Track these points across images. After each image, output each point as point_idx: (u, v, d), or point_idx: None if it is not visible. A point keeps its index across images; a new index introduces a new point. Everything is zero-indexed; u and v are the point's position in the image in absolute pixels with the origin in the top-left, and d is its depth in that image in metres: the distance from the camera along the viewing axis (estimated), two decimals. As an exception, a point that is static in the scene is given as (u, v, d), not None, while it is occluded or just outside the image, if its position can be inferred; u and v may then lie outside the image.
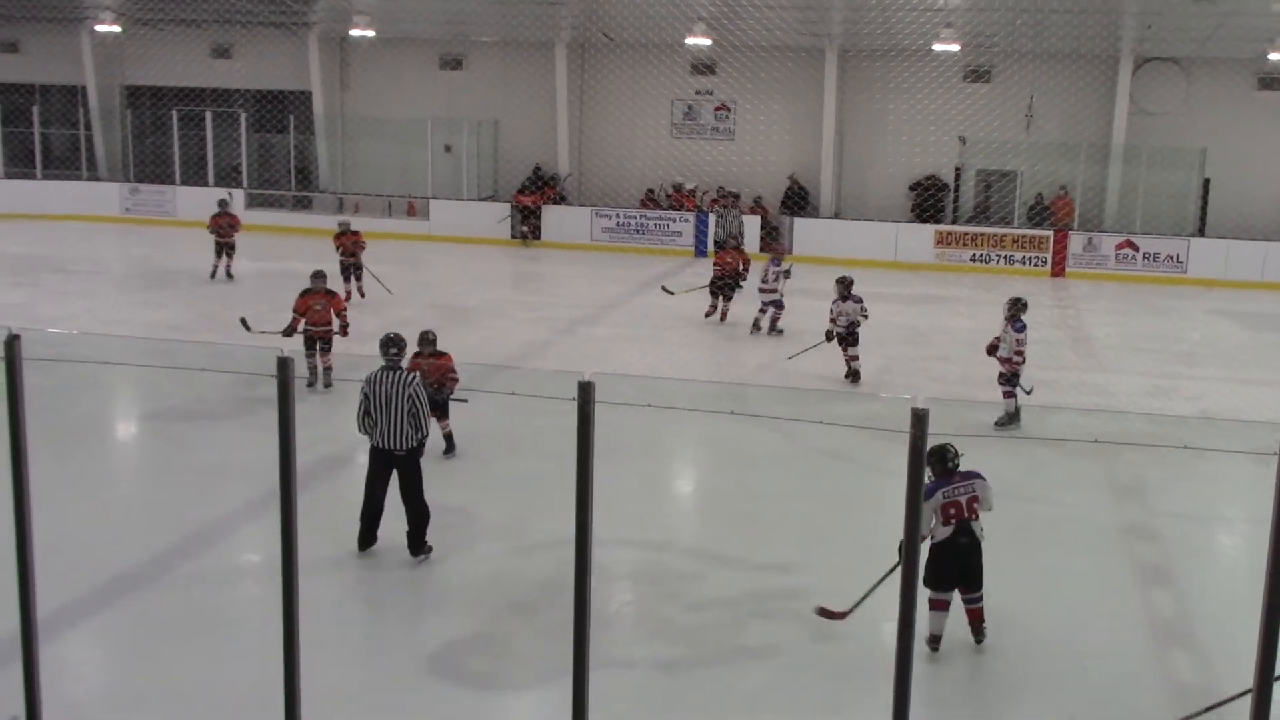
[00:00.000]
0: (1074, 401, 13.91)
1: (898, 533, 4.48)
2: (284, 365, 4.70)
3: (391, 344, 9.10)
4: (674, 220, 26.41)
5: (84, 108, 30.57)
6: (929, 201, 25.68)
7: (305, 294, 13.74)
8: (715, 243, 16.36)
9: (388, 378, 8.81)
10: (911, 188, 25.97)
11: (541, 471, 10.11)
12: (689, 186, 27.06)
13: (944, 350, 17.14)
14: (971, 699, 7.41)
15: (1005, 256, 24.94)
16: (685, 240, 26.15)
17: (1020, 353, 12.66)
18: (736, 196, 26.01)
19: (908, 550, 4.42)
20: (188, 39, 29.35)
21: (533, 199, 26.95)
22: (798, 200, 26.38)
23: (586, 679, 4.69)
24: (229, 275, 20.74)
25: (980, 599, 7.68)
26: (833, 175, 26.52)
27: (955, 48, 24.39)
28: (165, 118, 29.30)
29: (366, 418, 8.83)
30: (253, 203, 28.34)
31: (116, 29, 28.67)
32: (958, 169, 26.07)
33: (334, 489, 9.65)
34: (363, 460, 9.15)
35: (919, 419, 4.28)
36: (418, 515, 8.88)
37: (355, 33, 27.12)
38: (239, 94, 29.71)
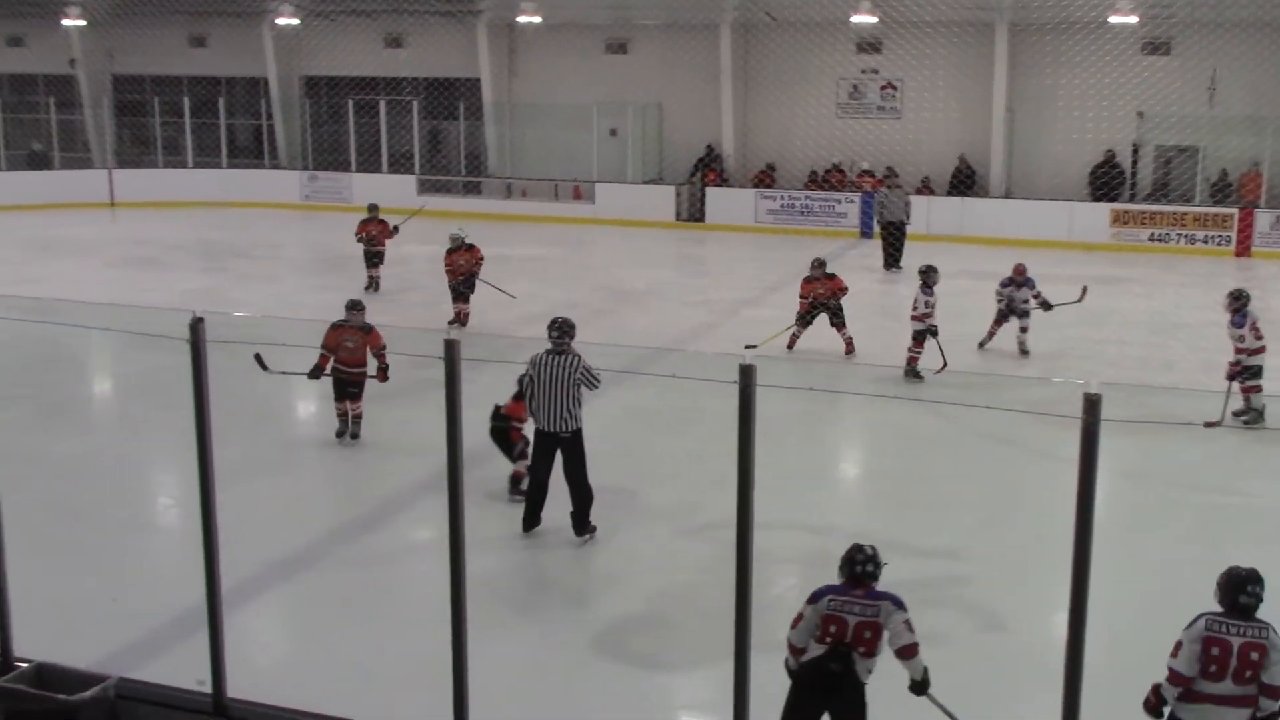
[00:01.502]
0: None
1: (1068, 522, 4.34)
2: (450, 347, 4.79)
3: (556, 327, 9.02)
4: (839, 201, 26.11)
5: (265, 98, 31.74)
6: (1110, 180, 24.79)
7: (336, 326, 11.30)
8: (816, 262, 15.10)
9: (552, 360, 8.82)
10: (1093, 172, 25.07)
11: (705, 454, 10.13)
12: (863, 166, 26.68)
13: (1120, 333, 16.56)
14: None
15: (1186, 235, 23.94)
16: (850, 221, 25.83)
17: (1244, 350, 11.72)
18: (898, 176, 25.58)
19: (1078, 538, 4.27)
20: (361, 29, 30.17)
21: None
22: (966, 180, 25.78)
23: (748, 661, 4.68)
24: (375, 288, 18.67)
25: None
26: (1003, 153, 25.83)
27: (1133, 19, 23.48)
28: (341, 106, 30.21)
29: (531, 400, 8.94)
30: (423, 188, 28.98)
31: (295, 21, 29.65)
32: (1135, 145, 25.10)
33: (500, 469, 9.82)
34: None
35: (1091, 404, 4.13)
36: (581, 496, 8.95)
37: (523, 19, 27.50)
38: (411, 82, 30.42)
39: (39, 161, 30.93)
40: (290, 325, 15.00)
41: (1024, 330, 15.00)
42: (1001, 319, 15.11)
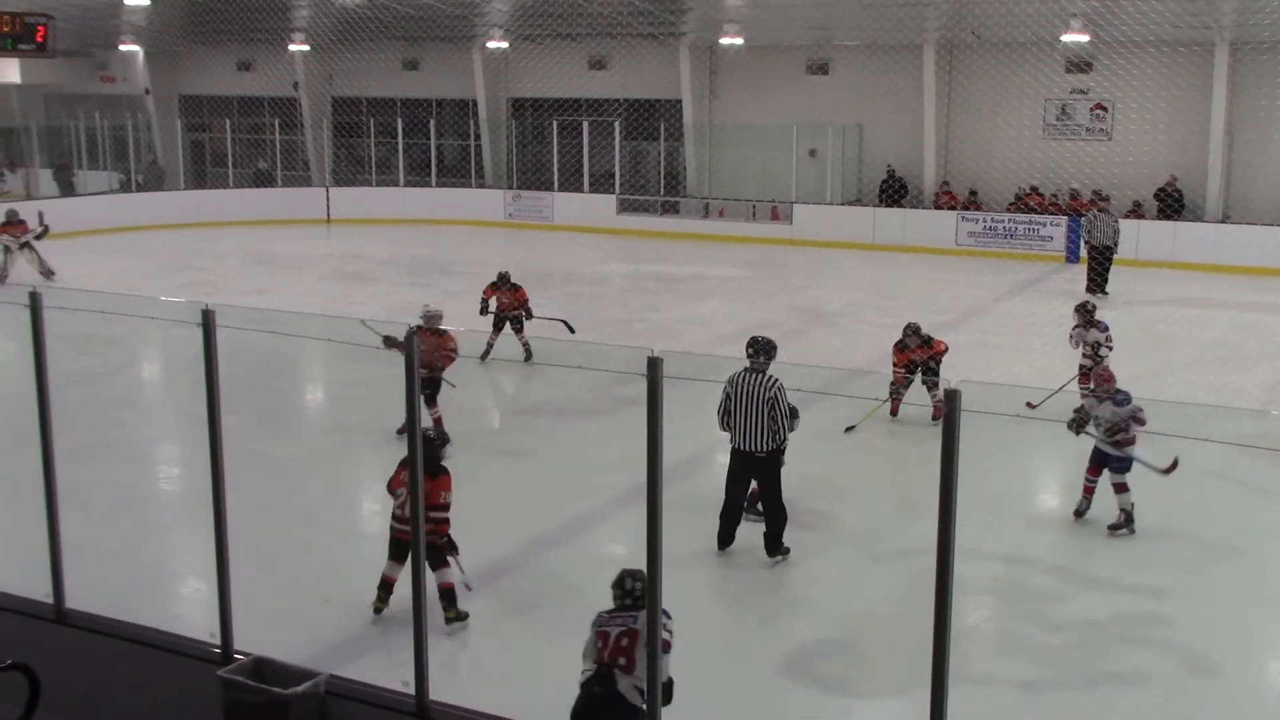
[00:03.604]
0: None
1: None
2: (654, 365, 4.87)
3: (753, 345, 9.05)
4: (1044, 224, 25.42)
5: (474, 119, 32.73)
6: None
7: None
8: (909, 329, 13.07)
9: (749, 379, 8.88)
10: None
11: (901, 480, 10.02)
12: (1072, 186, 25.92)
13: (1348, 366, 15.69)
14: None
15: None
16: (1056, 245, 25.11)
17: None
18: (1108, 199, 24.74)
19: None
20: (567, 52, 30.83)
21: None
22: (1175, 203, 24.76)
23: (945, 691, 4.62)
24: (527, 354, 15.16)
25: None
26: (1220, 177, 24.73)
27: (1367, 35, 22.25)
28: (545, 127, 30.91)
29: (726, 416, 8.98)
30: (623, 208, 29.45)
31: (504, 45, 30.49)
32: (1366, 168, 23.73)
33: (695, 486, 9.92)
34: (723, 460, 9.37)
35: (1314, 442, 3.96)
36: (775, 517, 8.97)
37: (725, 41, 27.66)
38: (613, 103, 30.92)
39: (263, 179, 32.60)
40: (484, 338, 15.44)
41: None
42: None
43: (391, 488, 7.99)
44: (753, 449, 8.86)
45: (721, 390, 9.03)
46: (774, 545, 8.99)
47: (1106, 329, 12.90)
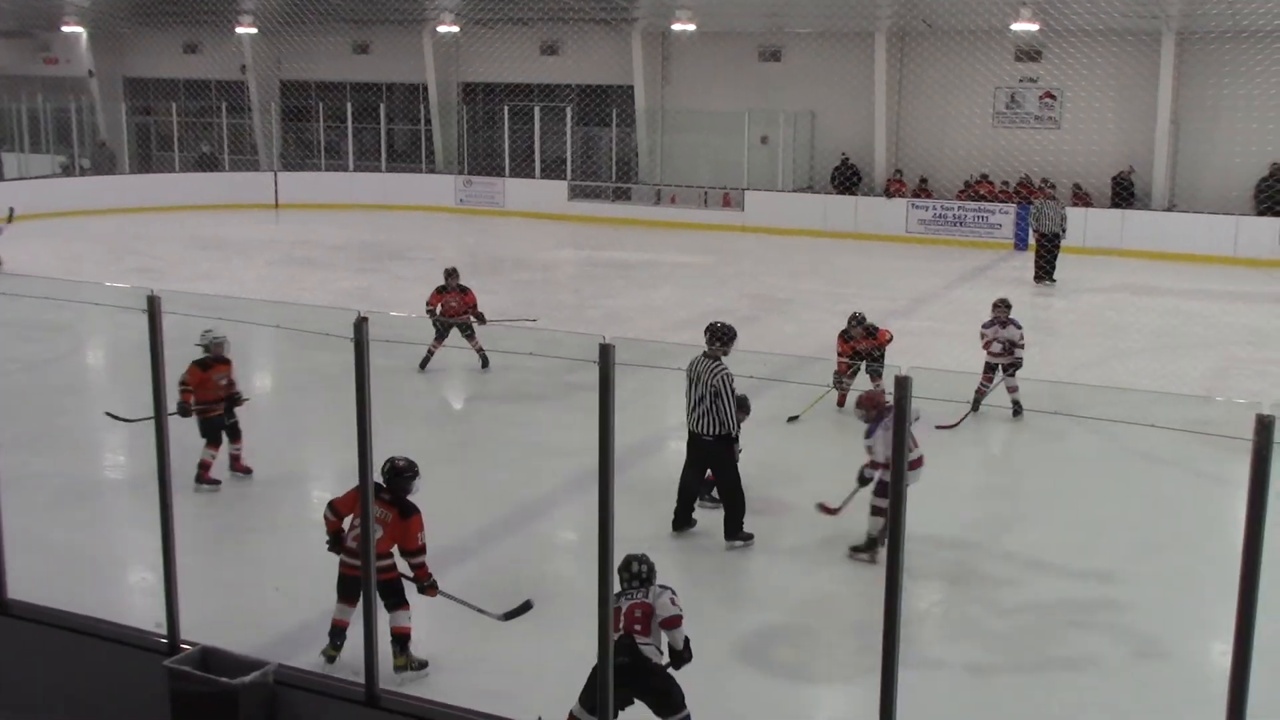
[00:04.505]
0: None
1: (1230, 547, 4.21)
2: (605, 352, 4.86)
3: (709, 330, 9.22)
4: (993, 212, 25.62)
5: (424, 104, 32.50)
6: (1275, 195, 23.76)
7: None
8: (854, 319, 12.73)
9: (702, 364, 8.99)
10: (1258, 186, 24.05)
11: (853, 467, 10.01)
12: (1020, 177, 26.09)
13: (1289, 353, 15.92)
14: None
15: (1364, 253, 22.86)
16: (1005, 232, 25.32)
17: None
18: (1055, 187, 24.98)
19: (1245, 564, 4.14)
20: (519, 37, 30.68)
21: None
22: (1127, 192, 25.02)
23: (895, 676, 4.64)
24: (484, 362, 14.16)
25: None
26: (1166, 165, 25.01)
27: (1310, 26, 22.52)
28: (497, 113, 30.76)
29: (686, 401, 9.08)
30: (575, 194, 29.38)
31: (455, 29, 30.32)
32: (1311, 158, 24.05)
33: (648, 472, 9.93)
34: (675, 445, 9.41)
35: (1264, 426, 4.00)
36: (730, 503, 9.05)
37: (677, 27, 27.65)
38: (565, 89, 30.83)
39: (209, 163, 32.21)
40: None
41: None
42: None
43: (339, 510, 7.06)
44: (700, 431, 8.99)
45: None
46: (733, 530, 9.04)
47: (1020, 327, 12.64)
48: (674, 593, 6.10)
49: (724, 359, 9.04)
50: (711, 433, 8.94)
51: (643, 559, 6.19)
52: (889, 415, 7.90)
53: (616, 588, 5.87)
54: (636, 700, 5.99)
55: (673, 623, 6.03)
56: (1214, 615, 7.13)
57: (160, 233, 25.52)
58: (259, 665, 5.79)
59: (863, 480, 8.84)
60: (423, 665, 7.05)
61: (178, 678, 5.79)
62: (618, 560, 5.06)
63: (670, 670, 6.03)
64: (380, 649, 5.69)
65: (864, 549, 8.72)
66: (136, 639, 6.25)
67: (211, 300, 15.67)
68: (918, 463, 8.52)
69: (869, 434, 8.82)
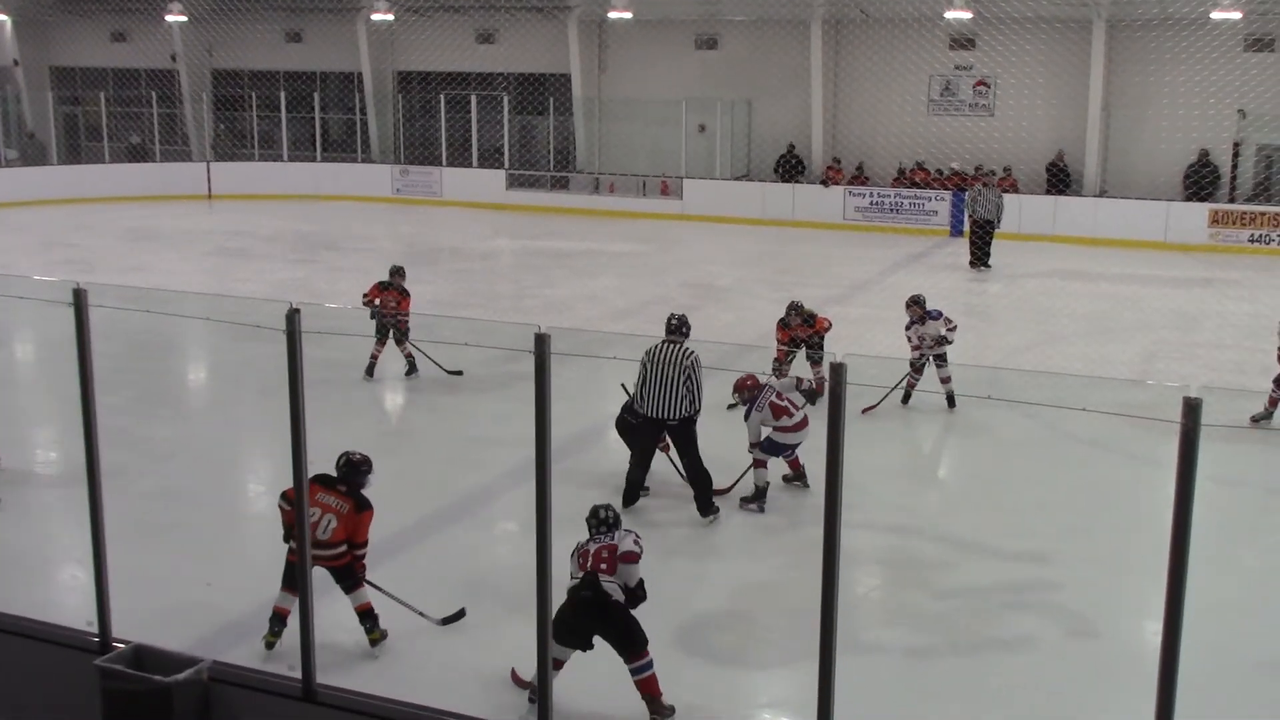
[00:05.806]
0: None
1: (1160, 527, 4.28)
2: (541, 341, 4.85)
3: (674, 319, 9.49)
4: (929, 199, 25.84)
5: (359, 93, 32.20)
6: (1202, 180, 24.18)
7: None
8: (792, 308, 12.61)
9: (667, 349, 9.17)
10: (1186, 172, 24.46)
11: (799, 449, 10.06)
12: (953, 166, 26.34)
13: (1217, 336, 16.19)
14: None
15: (1288, 237, 23.32)
16: (940, 219, 25.55)
17: None
18: (993, 174, 25.20)
19: (1174, 544, 4.20)
20: (454, 25, 30.45)
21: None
22: (1062, 179, 25.32)
23: (833, 660, 4.67)
24: (411, 369, 13.51)
25: (643, 669, 6.37)
26: (1098, 152, 25.37)
27: (1236, 15, 22.87)
28: (433, 102, 30.53)
29: (642, 386, 9.22)
30: (512, 183, 29.26)
31: (389, 17, 30.02)
32: (1236, 144, 24.47)
33: (590, 461, 9.94)
34: (616, 435, 9.43)
35: (1191, 408, 4.06)
36: (698, 481, 9.28)
37: (613, 15, 27.56)
38: (502, 78, 30.67)
39: (139, 154, 31.69)
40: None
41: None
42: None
43: (292, 500, 6.59)
44: (665, 416, 9.14)
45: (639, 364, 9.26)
46: (705, 506, 9.30)
47: (940, 315, 12.46)
48: (638, 535, 6.54)
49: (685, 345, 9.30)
50: (678, 415, 9.16)
51: (608, 507, 6.65)
52: (761, 396, 9.44)
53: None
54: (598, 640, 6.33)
55: (629, 558, 6.38)
56: (1145, 594, 7.24)
57: (91, 224, 25.10)
58: (193, 662, 5.72)
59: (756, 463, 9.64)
60: (385, 635, 7.24)
61: (110, 676, 5.70)
62: (556, 551, 5.04)
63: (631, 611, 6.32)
64: (333, 639, 5.63)
65: (752, 499, 9.54)
66: (67, 638, 6.14)
67: (143, 293, 15.45)
68: (802, 424, 9.40)
69: (746, 416, 9.56)
